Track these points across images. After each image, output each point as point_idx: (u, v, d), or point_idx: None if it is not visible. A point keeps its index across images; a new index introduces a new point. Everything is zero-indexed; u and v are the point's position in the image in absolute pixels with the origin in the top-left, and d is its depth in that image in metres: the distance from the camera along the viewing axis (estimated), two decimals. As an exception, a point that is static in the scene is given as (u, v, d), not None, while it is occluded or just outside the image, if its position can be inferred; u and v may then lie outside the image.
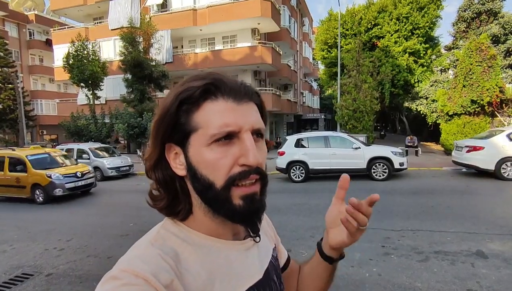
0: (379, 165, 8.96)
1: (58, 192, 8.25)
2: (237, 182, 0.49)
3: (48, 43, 29.84)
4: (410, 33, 18.43)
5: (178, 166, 0.52)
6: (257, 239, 0.60)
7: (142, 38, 16.70)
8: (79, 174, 8.80)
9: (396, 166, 8.90)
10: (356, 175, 9.51)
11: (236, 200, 0.49)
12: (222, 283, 0.51)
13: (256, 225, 0.56)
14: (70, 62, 17.26)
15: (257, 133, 0.51)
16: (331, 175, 9.85)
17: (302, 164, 9.40)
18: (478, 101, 12.23)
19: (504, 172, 8.00)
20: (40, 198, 8.37)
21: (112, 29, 20.53)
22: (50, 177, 8.21)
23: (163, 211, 0.55)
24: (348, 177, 0.61)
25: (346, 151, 9.23)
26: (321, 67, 27.92)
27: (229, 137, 0.48)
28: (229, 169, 0.48)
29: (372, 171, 9.00)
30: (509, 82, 15.47)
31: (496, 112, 12.81)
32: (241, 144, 0.49)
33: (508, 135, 8.17)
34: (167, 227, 0.54)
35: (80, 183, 8.80)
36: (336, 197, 0.62)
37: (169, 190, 0.54)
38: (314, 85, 38.27)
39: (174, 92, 0.51)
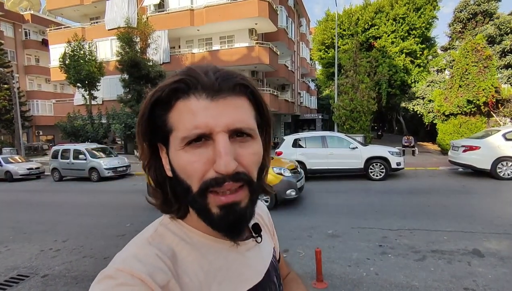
0: (376, 164, 8.99)
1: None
2: (212, 188, 0.44)
3: (44, 43, 29.65)
4: (406, 34, 18.53)
5: (167, 166, 0.50)
6: (259, 239, 0.58)
7: (139, 38, 16.64)
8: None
9: (393, 165, 8.93)
10: (354, 174, 9.55)
11: (213, 209, 0.45)
12: (221, 285, 0.49)
13: (237, 235, 0.51)
14: (67, 62, 17.16)
15: (238, 133, 0.46)
16: (329, 174, 9.87)
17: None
18: (474, 101, 12.31)
19: (500, 172, 8.05)
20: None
21: (109, 29, 20.44)
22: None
23: (160, 209, 0.54)
24: None
25: (344, 151, 9.25)
26: (319, 67, 27.99)
27: (203, 138, 0.44)
28: (202, 174, 0.44)
29: (370, 170, 9.03)
30: (505, 83, 15.59)
31: (492, 112, 12.91)
32: (214, 148, 0.44)
33: (504, 135, 8.23)
34: (166, 224, 0.53)
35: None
36: None
37: (163, 189, 0.53)
38: (312, 85, 38.33)
39: (149, 95, 0.48)
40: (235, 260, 0.53)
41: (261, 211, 0.71)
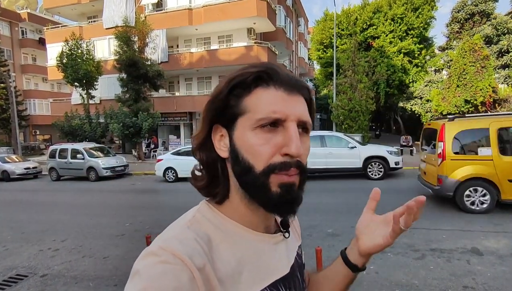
0: (375, 164, 9.02)
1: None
2: (276, 171, 0.49)
3: (41, 42, 29.47)
4: (404, 34, 18.59)
5: (222, 148, 0.53)
6: (287, 234, 0.61)
7: (137, 37, 16.54)
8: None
9: (392, 165, 8.96)
10: (352, 174, 9.57)
11: (274, 187, 0.49)
12: (250, 273, 0.52)
13: (292, 215, 0.55)
14: (64, 61, 17.03)
15: (302, 127, 0.52)
16: (328, 174, 9.89)
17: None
18: (471, 101, 12.39)
19: (497, 171, 8.09)
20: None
21: (106, 28, 20.34)
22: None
23: (202, 191, 0.57)
24: (379, 190, 0.63)
25: (342, 150, 9.27)
26: (317, 67, 28.05)
27: (275, 124, 0.49)
28: (270, 156, 0.49)
29: (368, 170, 9.06)
30: (502, 83, 15.68)
31: (489, 112, 12.98)
32: (285, 133, 0.49)
33: (501, 135, 8.27)
34: (203, 212, 0.55)
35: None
36: (367, 207, 0.64)
37: (210, 171, 0.56)
38: (310, 85, 38.38)
39: (228, 78, 0.52)
40: (265, 251, 0.55)
41: None
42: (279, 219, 0.64)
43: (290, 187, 0.50)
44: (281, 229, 0.62)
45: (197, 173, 0.58)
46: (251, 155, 0.49)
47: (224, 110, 0.52)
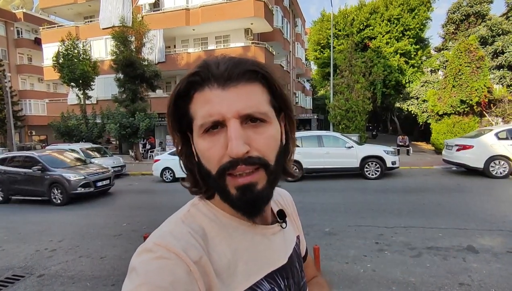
0: (372, 163, 9.06)
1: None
2: (228, 172, 0.47)
3: (37, 42, 29.26)
4: (401, 34, 18.70)
5: (194, 153, 0.54)
6: (284, 225, 0.61)
7: (134, 37, 16.49)
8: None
9: (389, 164, 9.01)
10: (349, 173, 9.61)
11: (231, 189, 0.48)
12: (247, 264, 0.52)
13: (255, 215, 0.53)
14: (60, 61, 16.92)
15: (251, 119, 0.48)
16: (325, 174, 9.92)
17: (296, 163, 9.43)
18: (467, 101, 12.48)
19: (492, 170, 8.18)
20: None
21: (103, 28, 20.26)
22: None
23: (191, 191, 0.58)
24: None
25: (340, 150, 9.31)
26: (314, 67, 28.11)
27: (217, 126, 0.48)
28: (219, 159, 0.47)
29: (365, 169, 9.10)
30: (497, 83, 15.82)
31: (484, 112, 13.11)
32: (227, 134, 0.47)
33: (496, 134, 8.37)
34: (197, 206, 0.56)
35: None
36: None
37: (192, 173, 0.56)
38: (307, 85, 38.46)
39: (174, 87, 0.52)
40: (261, 242, 0.56)
41: (286, 201, 0.74)
42: (275, 210, 0.64)
43: (247, 188, 0.48)
44: (278, 219, 0.62)
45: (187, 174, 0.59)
46: (205, 160, 0.50)
47: (179, 121, 0.53)
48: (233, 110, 0.46)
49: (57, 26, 24.06)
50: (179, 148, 0.56)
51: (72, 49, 17.04)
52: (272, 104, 0.52)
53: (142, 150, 18.68)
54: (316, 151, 9.41)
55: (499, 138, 8.29)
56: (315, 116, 31.34)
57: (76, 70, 16.70)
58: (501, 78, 15.84)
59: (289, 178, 0.61)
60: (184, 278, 0.43)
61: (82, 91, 17.84)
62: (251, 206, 0.50)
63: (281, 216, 0.63)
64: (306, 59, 32.78)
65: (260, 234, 0.56)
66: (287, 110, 0.56)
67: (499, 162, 8.15)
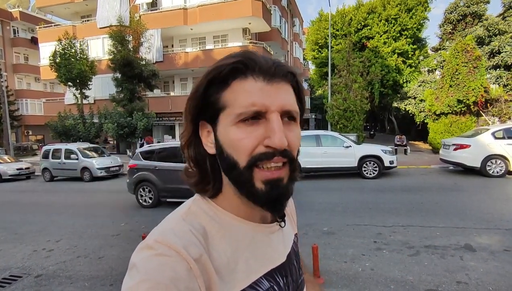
0: (370, 163, 9.09)
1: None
2: (260, 163, 0.47)
3: (34, 41, 29.09)
4: (398, 34, 18.76)
5: (209, 144, 0.53)
6: (283, 223, 0.61)
7: (131, 37, 16.45)
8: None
9: (386, 164, 9.04)
10: (347, 173, 9.64)
11: (258, 183, 0.48)
12: (247, 262, 0.52)
13: (279, 211, 0.54)
14: (57, 60, 16.84)
15: (288, 116, 0.50)
16: (323, 173, 9.94)
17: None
18: (464, 101, 12.55)
19: (489, 169, 8.23)
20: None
21: (100, 28, 20.18)
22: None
23: (195, 188, 0.56)
24: None
25: (337, 150, 9.33)
26: (312, 67, 28.14)
27: (256, 117, 0.47)
28: (252, 149, 0.47)
29: (363, 169, 9.13)
30: (493, 83, 15.92)
31: (481, 111, 13.18)
32: (268, 125, 0.47)
33: (493, 134, 8.42)
34: (198, 204, 0.55)
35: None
36: None
37: (200, 167, 0.55)
38: (305, 85, 38.51)
39: (205, 72, 0.51)
40: (261, 240, 0.56)
41: None
42: None
43: (275, 183, 0.48)
44: (277, 218, 0.62)
45: (189, 170, 0.57)
46: (234, 150, 0.48)
47: (205, 107, 0.51)
48: (277, 104, 0.48)
49: (54, 25, 23.94)
50: (188, 138, 0.54)
51: (69, 48, 16.97)
52: (298, 107, 0.54)
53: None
54: (314, 150, 9.43)
55: (496, 138, 8.34)
56: (313, 116, 31.41)
57: (73, 69, 16.62)
58: (497, 78, 15.94)
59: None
60: (184, 275, 0.42)
61: (79, 91, 17.77)
62: (276, 201, 0.50)
63: (279, 215, 0.62)
64: (304, 59, 32.82)
65: (260, 233, 0.56)
66: (302, 116, 0.58)
67: (496, 161, 8.21)
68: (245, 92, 0.48)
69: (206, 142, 0.53)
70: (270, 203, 0.50)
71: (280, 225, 0.61)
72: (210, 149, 0.52)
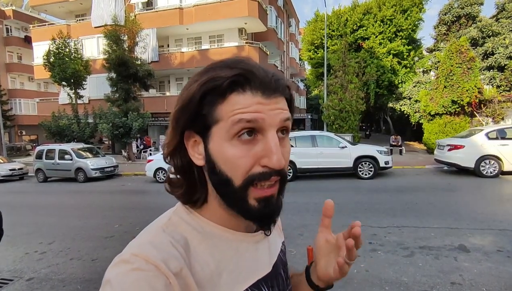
0: (365, 163, 9.12)
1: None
2: (256, 182, 0.46)
3: (27, 40, 28.76)
4: (394, 35, 18.87)
5: (196, 155, 0.50)
6: (268, 232, 0.59)
7: (126, 36, 16.32)
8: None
9: (382, 164, 9.08)
10: (343, 173, 9.66)
11: (251, 201, 0.47)
12: (231, 274, 0.50)
13: (270, 226, 0.52)
14: (51, 60, 16.66)
15: (282, 130, 0.49)
16: (319, 173, 9.96)
17: (290, 163, 9.44)
18: (458, 101, 12.66)
19: (483, 170, 8.31)
20: None
21: (95, 27, 20.00)
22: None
23: (180, 198, 0.54)
24: (332, 204, 0.57)
25: (333, 150, 9.35)
26: (308, 67, 28.19)
27: (253, 133, 0.46)
28: (249, 168, 0.46)
29: (359, 169, 9.16)
30: (487, 84, 16.09)
31: (475, 112, 13.30)
32: (265, 144, 0.45)
33: (486, 135, 8.50)
34: (180, 214, 0.53)
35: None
36: (322, 225, 0.58)
37: (187, 177, 0.53)
38: (301, 85, 38.60)
39: (199, 81, 0.47)
40: (245, 251, 0.54)
41: None
42: None
43: (269, 200, 0.48)
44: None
45: (174, 179, 0.54)
46: (229, 168, 0.46)
47: (196, 117, 0.48)
48: (275, 121, 0.46)
49: (48, 24, 23.68)
50: (174, 147, 0.51)
51: (63, 48, 16.79)
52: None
53: (136, 150, 18.52)
54: (310, 151, 9.44)
55: (490, 138, 8.42)
56: (309, 116, 31.46)
57: (67, 69, 16.45)
58: (491, 79, 16.12)
59: None
60: None
61: (73, 91, 17.59)
62: (269, 218, 0.50)
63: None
64: (300, 59, 32.86)
65: (245, 243, 0.54)
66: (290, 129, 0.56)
67: (489, 162, 8.28)
68: (242, 107, 0.45)
69: (193, 153, 0.50)
70: (263, 219, 0.49)
71: (265, 234, 0.59)
72: (198, 161, 0.50)
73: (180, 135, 0.50)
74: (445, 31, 19.95)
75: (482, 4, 18.89)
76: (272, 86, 0.47)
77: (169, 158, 0.53)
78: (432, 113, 13.60)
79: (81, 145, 13.59)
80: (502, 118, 13.25)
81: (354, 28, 19.71)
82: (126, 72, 15.90)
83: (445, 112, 13.17)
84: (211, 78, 0.46)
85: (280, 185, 0.50)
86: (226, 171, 0.46)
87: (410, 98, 18.40)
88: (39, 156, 12.93)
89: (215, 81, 0.46)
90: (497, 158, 8.21)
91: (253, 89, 0.46)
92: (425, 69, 20.50)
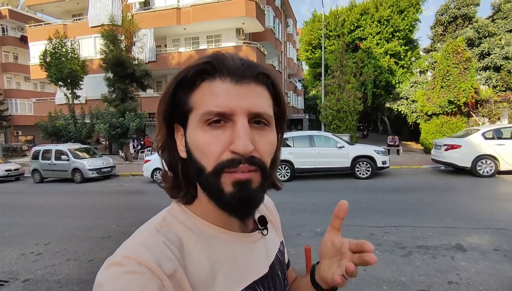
0: (363, 163, 9.14)
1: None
2: (226, 169, 0.45)
3: (23, 40, 28.55)
4: (391, 36, 18.95)
5: (181, 147, 0.51)
6: (265, 232, 0.58)
7: (124, 36, 16.25)
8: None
9: (379, 164, 9.11)
10: (340, 173, 9.68)
11: (227, 187, 0.46)
12: (226, 276, 0.49)
13: (247, 216, 0.52)
14: (48, 60, 16.55)
15: (256, 120, 0.47)
16: (316, 173, 9.97)
17: (288, 163, 9.45)
18: (455, 101, 12.73)
19: (479, 169, 8.36)
20: None
21: (92, 27, 19.91)
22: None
23: (170, 192, 0.54)
24: (346, 205, 0.52)
25: (331, 150, 9.36)
26: (305, 67, 28.23)
27: (222, 120, 0.45)
28: (219, 155, 0.45)
29: (356, 169, 9.17)
30: (483, 84, 16.19)
31: (471, 112, 13.39)
32: (233, 130, 0.45)
33: (483, 134, 8.55)
34: (174, 213, 0.53)
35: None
36: (331, 226, 0.55)
37: (174, 172, 0.54)
38: (298, 85, 38.63)
39: (175, 74, 0.50)
40: (241, 251, 0.53)
41: (268, 206, 0.71)
42: (256, 216, 0.61)
43: (244, 184, 0.45)
44: (259, 226, 0.59)
45: (165, 173, 0.55)
46: (201, 154, 0.46)
47: (175, 109, 0.50)
48: (244, 106, 0.45)
49: (44, 24, 23.52)
50: (163, 142, 0.53)
51: (59, 47, 16.68)
52: (274, 111, 0.51)
53: (133, 150, 18.45)
54: (307, 151, 9.45)
55: (486, 138, 8.47)
56: (307, 116, 31.50)
57: (64, 69, 16.35)
58: (487, 79, 16.21)
59: (274, 189, 0.58)
60: None
61: (70, 91, 17.48)
62: (244, 205, 0.47)
63: (262, 222, 0.60)
64: (298, 60, 32.92)
65: (241, 243, 0.53)
66: (282, 121, 0.55)
67: (486, 161, 8.33)
68: (211, 94, 0.46)
69: (179, 145, 0.51)
70: (238, 206, 0.47)
71: (262, 233, 0.58)
72: (182, 153, 0.51)
73: (165, 127, 0.52)
74: (441, 32, 20.04)
75: (478, 5, 18.99)
76: (241, 73, 0.47)
77: (160, 152, 0.54)
78: (429, 113, 13.67)
79: (78, 145, 13.51)
80: (498, 118, 13.34)
81: (352, 28, 19.76)
82: (123, 72, 15.83)
83: (442, 112, 13.24)
84: (184, 70, 0.49)
85: (262, 178, 0.47)
86: (199, 157, 0.47)
87: (407, 99, 18.47)
88: (35, 156, 12.84)
89: (185, 72, 0.48)
90: (493, 158, 8.26)
91: (222, 76, 0.46)
92: (422, 70, 20.59)
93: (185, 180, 0.52)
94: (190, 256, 0.47)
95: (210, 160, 0.45)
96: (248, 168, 0.45)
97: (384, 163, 9.17)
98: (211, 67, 0.47)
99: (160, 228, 0.49)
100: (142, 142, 19.09)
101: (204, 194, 0.50)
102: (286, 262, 0.72)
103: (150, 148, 18.72)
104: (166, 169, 0.54)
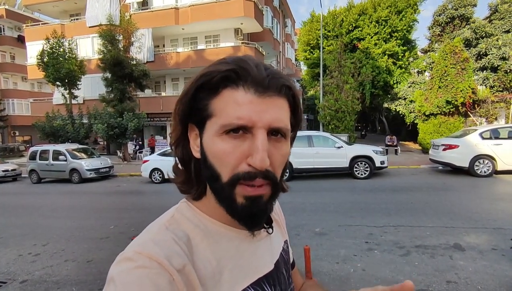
0: (361, 163, 9.16)
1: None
2: (241, 181, 0.46)
3: (20, 40, 28.42)
4: (389, 36, 19.01)
5: (195, 147, 0.52)
6: (270, 230, 0.59)
7: (122, 36, 16.20)
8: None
9: (377, 164, 9.13)
10: (339, 173, 9.70)
11: (239, 198, 0.47)
12: (232, 272, 0.50)
13: (256, 227, 0.52)
14: (45, 60, 16.46)
15: (275, 133, 0.47)
16: (315, 173, 9.98)
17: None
18: (452, 101, 12.78)
19: (477, 169, 8.39)
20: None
21: (90, 27, 19.84)
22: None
23: (179, 188, 0.56)
24: (412, 288, 0.37)
25: (329, 150, 9.37)
26: (304, 68, 28.27)
27: (242, 131, 0.45)
28: (236, 166, 0.45)
29: (354, 169, 9.19)
30: (480, 84, 16.27)
31: (469, 112, 13.44)
32: (253, 142, 0.45)
33: (480, 134, 8.59)
34: (182, 211, 0.54)
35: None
36: None
37: (187, 168, 0.55)
38: (297, 86, 38.68)
39: (196, 76, 0.49)
40: (247, 249, 0.54)
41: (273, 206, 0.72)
42: None
43: (255, 200, 0.47)
44: (264, 225, 0.60)
45: (177, 167, 0.57)
46: (218, 162, 0.47)
47: (193, 111, 0.50)
48: (266, 121, 0.45)
49: (42, 24, 23.41)
50: (177, 139, 0.54)
51: (57, 47, 16.60)
52: (291, 121, 0.51)
53: (132, 150, 18.39)
54: (306, 151, 9.45)
55: (483, 138, 8.51)
56: (305, 117, 31.55)
57: (61, 69, 16.27)
58: (484, 79, 16.29)
59: (281, 191, 0.58)
60: (166, 289, 0.40)
61: (68, 91, 17.41)
62: (254, 217, 0.49)
63: (267, 221, 0.61)
64: (296, 60, 32.94)
65: (247, 241, 0.54)
66: (296, 129, 0.56)
67: (483, 161, 8.37)
68: (233, 104, 0.45)
69: (193, 145, 0.52)
70: (248, 218, 0.48)
71: (267, 232, 0.59)
72: (196, 153, 0.52)
73: (181, 125, 0.52)
74: (439, 32, 20.13)
75: (475, 5, 19.09)
76: (266, 84, 0.46)
77: (173, 147, 0.55)
78: (427, 113, 13.72)
79: (75, 146, 13.46)
80: (496, 118, 13.41)
81: (350, 28, 19.81)
82: (121, 72, 15.79)
83: (439, 112, 13.29)
84: (205, 73, 0.47)
85: (272, 191, 0.48)
86: (215, 164, 0.47)
87: (405, 99, 18.53)
88: (32, 157, 12.78)
89: (208, 76, 0.47)
90: (491, 158, 8.30)
91: (245, 86, 0.46)
92: (419, 70, 20.68)
93: (197, 178, 0.53)
94: (197, 253, 0.48)
95: (227, 169, 0.46)
96: (262, 182, 0.46)
97: (382, 163, 9.19)
98: (235, 74, 0.46)
99: (169, 225, 0.50)
100: (140, 142, 19.05)
101: (212, 194, 0.51)
102: (291, 261, 0.73)
103: (148, 149, 18.68)
104: (179, 164, 0.56)
